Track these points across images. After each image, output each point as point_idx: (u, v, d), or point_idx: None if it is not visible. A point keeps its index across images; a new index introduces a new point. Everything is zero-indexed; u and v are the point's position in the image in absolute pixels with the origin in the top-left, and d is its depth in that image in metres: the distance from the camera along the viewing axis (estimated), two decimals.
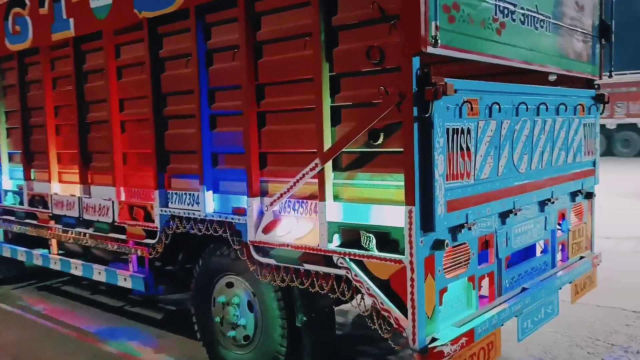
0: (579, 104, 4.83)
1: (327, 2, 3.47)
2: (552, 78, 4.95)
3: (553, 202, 4.48)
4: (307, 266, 3.72)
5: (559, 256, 4.79)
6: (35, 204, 6.26)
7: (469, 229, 3.46)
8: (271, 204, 3.89)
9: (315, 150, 3.58)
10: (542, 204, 4.42)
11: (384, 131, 3.29)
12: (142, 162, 4.97)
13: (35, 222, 6.29)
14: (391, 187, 3.32)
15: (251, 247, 4.03)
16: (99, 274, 5.62)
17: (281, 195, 3.80)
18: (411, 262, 3.15)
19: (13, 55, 6.29)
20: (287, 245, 3.78)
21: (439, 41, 3.04)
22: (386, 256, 3.27)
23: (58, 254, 6.36)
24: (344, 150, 3.47)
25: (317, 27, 3.48)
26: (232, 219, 4.15)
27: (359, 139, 3.38)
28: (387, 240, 3.31)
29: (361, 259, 3.39)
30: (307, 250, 3.65)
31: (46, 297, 7.31)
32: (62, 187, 5.95)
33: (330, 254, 3.54)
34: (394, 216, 3.26)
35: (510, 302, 3.86)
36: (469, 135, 3.44)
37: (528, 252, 4.50)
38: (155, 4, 4.49)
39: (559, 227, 4.75)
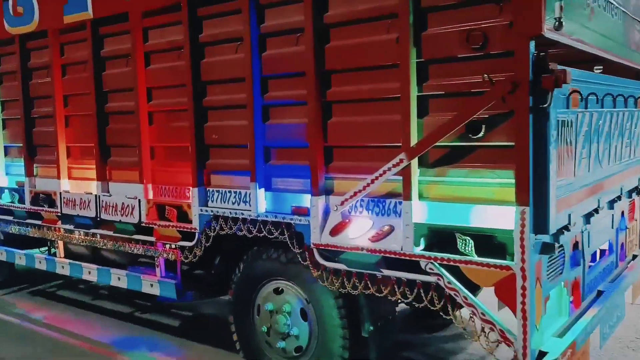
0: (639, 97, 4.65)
1: None
2: (598, 69, 4.76)
3: (621, 199, 4.28)
4: (387, 272, 3.40)
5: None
6: (40, 203, 5.74)
7: (569, 230, 3.20)
8: (342, 203, 3.54)
9: (399, 144, 3.26)
10: (612, 201, 4.21)
11: (485, 123, 2.99)
12: (176, 157, 4.56)
13: (39, 222, 5.79)
14: (493, 184, 3.02)
15: (315, 251, 3.69)
16: (118, 279, 5.18)
17: (355, 193, 3.47)
18: (522, 269, 2.87)
19: (14, 39, 5.76)
20: (362, 249, 3.45)
21: (564, 23, 2.76)
22: (491, 262, 2.98)
23: (65, 257, 5.87)
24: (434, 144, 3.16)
25: (406, 8, 3.15)
26: (292, 219, 3.80)
27: (454, 132, 3.08)
28: (490, 243, 3.01)
29: (457, 264, 3.09)
30: (389, 255, 3.33)
31: (43, 304, 6.77)
32: (73, 184, 5.47)
33: (418, 259, 3.23)
34: (499, 217, 2.97)
35: (597, 308, 3.63)
36: (571, 127, 3.17)
37: (595, 252, 4.30)
38: None
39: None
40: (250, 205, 4.02)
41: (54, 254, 6.03)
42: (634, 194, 4.83)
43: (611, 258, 4.39)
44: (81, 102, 5.28)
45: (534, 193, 2.85)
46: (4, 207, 6.16)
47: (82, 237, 5.36)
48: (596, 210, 3.71)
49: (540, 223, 2.88)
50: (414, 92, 3.20)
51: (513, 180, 2.89)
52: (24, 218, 5.97)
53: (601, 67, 4.61)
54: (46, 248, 6.22)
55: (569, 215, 3.16)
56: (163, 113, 4.64)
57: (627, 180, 4.50)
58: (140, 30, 4.60)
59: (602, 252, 4.36)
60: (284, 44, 3.80)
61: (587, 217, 3.67)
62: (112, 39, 4.92)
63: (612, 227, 4.33)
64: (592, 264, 4.08)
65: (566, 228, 3.14)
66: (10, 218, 6.13)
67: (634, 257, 4.94)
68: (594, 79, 3.50)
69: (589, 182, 3.54)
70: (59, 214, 5.51)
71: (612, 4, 3.89)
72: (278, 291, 4.17)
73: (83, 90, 5.17)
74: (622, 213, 4.62)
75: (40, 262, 5.97)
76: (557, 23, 2.76)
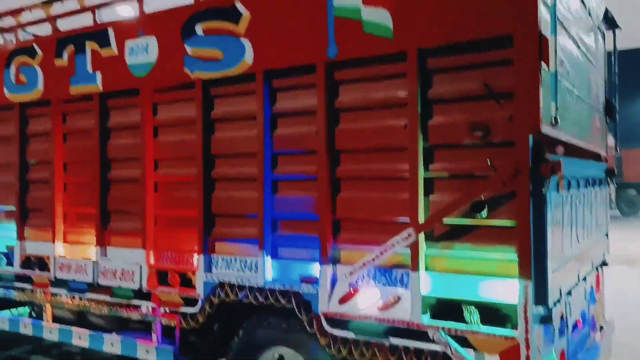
0: (600, 178, 5.10)
1: (424, 74, 3.49)
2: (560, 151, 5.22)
3: (590, 272, 4.62)
4: (395, 340, 3.56)
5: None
6: (31, 266, 5.67)
7: (560, 301, 3.47)
8: (351, 273, 3.73)
9: (407, 219, 3.51)
10: (585, 275, 4.53)
11: (488, 203, 3.29)
12: (181, 224, 4.66)
13: (27, 286, 5.69)
14: (496, 260, 3.29)
15: (323, 319, 3.83)
16: (111, 345, 5.10)
17: (364, 264, 3.67)
18: (526, 339, 3.10)
19: (14, 105, 5.83)
20: (370, 318, 3.61)
21: (559, 121, 3.13)
22: (496, 332, 3.20)
23: (51, 322, 5.74)
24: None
25: (414, 99, 3.48)
26: (300, 288, 3.94)
27: (459, 210, 3.35)
28: (495, 314, 3.24)
29: (464, 334, 3.29)
30: (397, 324, 3.51)
31: None
32: (68, 248, 5.45)
33: (426, 329, 3.42)
34: (504, 290, 3.23)
35: None
36: (560, 208, 3.50)
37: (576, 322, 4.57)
38: (213, 66, 4.34)
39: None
40: (257, 273, 4.15)
41: (34, 317, 5.89)
42: (599, 267, 5.20)
43: (585, 329, 4.67)
44: (81, 169, 5.35)
45: (535, 268, 3.12)
46: None
47: (76, 302, 5.29)
48: (576, 283, 4.01)
49: (540, 296, 3.14)
50: (421, 174, 3.48)
51: (515, 256, 3.16)
52: (10, 281, 5.85)
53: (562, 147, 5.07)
54: (24, 309, 6.08)
55: (560, 288, 3.44)
56: (169, 183, 4.77)
57: (596, 254, 4.87)
58: (150, 105, 4.79)
59: (576, 323, 4.64)
60: (295, 124, 4.06)
61: (569, 290, 3.97)
62: (120, 111, 5.08)
63: (585, 299, 4.63)
64: (572, 333, 4.35)
65: (558, 300, 3.41)
66: None
67: (601, 328, 5.25)
68: (573, 165, 3.88)
69: (572, 257, 3.85)
70: (52, 279, 5.45)
71: (580, 98, 4.36)
72: (279, 359, 4.23)
73: (86, 158, 5.26)
74: (591, 285, 4.95)
75: (25, 327, 5.81)
76: (553, 120, 3.13)
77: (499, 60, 3.25)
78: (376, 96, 3.70)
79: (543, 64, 3.10)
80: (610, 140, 5.90)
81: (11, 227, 5.91)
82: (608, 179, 5.44)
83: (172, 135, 4.73)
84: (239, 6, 4.21)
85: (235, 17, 4.22)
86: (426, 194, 3.50)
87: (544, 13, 3.22)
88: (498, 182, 3.21)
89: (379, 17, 3.60)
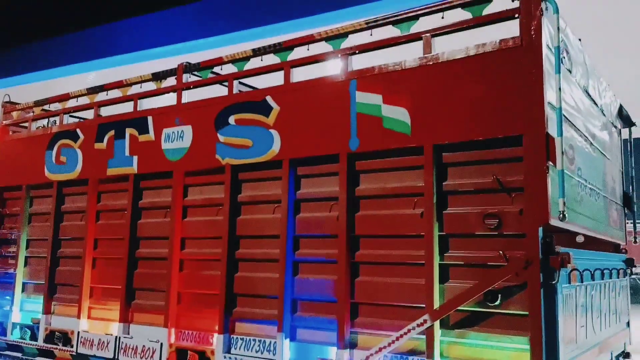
0: (619, 268, 5.16)
1: (440, 167, 3.72)
2: (579, 239, 5.32)
3: None
4: None
5: None
6: (54, 341, 5.79)
7: None
8: (367, 358, 3.79)
9: (423, 305, 3.62)
10: None
11: (501, 293, 3.40)
12: (202, 304, 4.80)
13: None
14: (509, 349, 3.35)
15: None
16: None
17: (380, 349, 3.74)
18: None
19: (52, 184, 6.18)
20: None
21: (567, 216, 3.29)
22: None
23: None
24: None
25: (430, 190, 3.69)
26: None
27: (473, 299, 3.46)
28: None
29: None
30: None
31: None
32: (91, 324, 5.58)
33: None
34: None
35: None
36: (572, 299, 3.59)
37: None
38: (243, 154, 4.65)
39: None
40: (275, 355, 4.22)
41: None
42: (620, 359, 5.15)
43: None
44: (111, 246, 5.58)
45: (546, 358, 3.18)
46: (13, 342, 6.15)
47: None
48: None
49: None
50: (436, 261, 3.63)
51: (527, 346, 3.23)
52: (33, 355, 5.95)
53: (582, 236, 5.17)
54: None
55: None
56: (194, 261, 4.96)
57: (616, 345, 4.84)
58: (181, 187, 5.07)
59: None
60: (317, 209, 4.28)
61: None
62: (152, 192, 5.37)
63: None
64: None
65: None
66: (20, 355, 6.09)
67: None
68: (586, 256, 3.99)
69: (588, 347, 3.88)
70: (74, 354, 5.54)
71: (594, 191, 4.53)
72: None
73: (115, 235, 5.50)
74: None
75: None
76: (561, 215, 3.30)
77: (510, 157, 3.47)
78: (394, 186, 3.93)
79: (550, 163, 3.31)
80: (629, 231, 5.99)
81: (38, 300, 6.09)
82: (627, 268, 5.48)
83: (200, 215, 4.97)
84: (270, 100, 4.56)
85: (266, 110, 4.57)
86: (441, 281, 3.63)
87: (551, 115, 3.47)
88: (510, 272, 3.33)
89: (398, 115, 3.89)
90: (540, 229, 3.29)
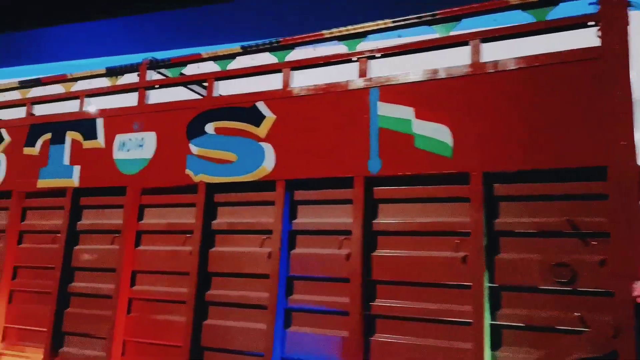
0: None
1: (490, 201, 2.82)
2: None
3: None
4: None
5: None
6: None
7: None
8: None
9: None
10: None
11: None
12: (157, 358, 3.57)
13: None
14: None
15: None
16: None
17: None
18: None
19: None
20: None
21: None
22: None
23: None
24: None
25: (479, 227, 2.78)
26: None
27: None
28: None
29: None
30: None
31: None
32: None
33: None
34: None
35: None
36: None
37: None
38: (223, 170, 3.57)
39: None
40: None
41: None
42: None
43: None
44: (37, 277, 4.21)
45: None
46: None
47: None
48: None
49: None
50: (487, 320, 2.70)
51: None
52: None
53: None
54: None
55: None
56: (148, 302, 3.73)
57: None
58: (136, 207, 3.86)
59: None
60: (320, 243, 3.25)
61: None
62: (95, 212, 4.11)
63: None
64: None
65: None
66: None
67: None
68: None
69: None
70: None
71: None
72: None
73: (43, 263, 4.15)
74: None
75: None
76: None
77: (588, 194, 2.64)
78: (427, 220, 2.98)
79: None
80: None
81: None
82: None
83: (160, 244, 3.78)
84: (262, 107, 3.52)
85: (256, 118, 3.52)
86: (494, 347, 2.69)
87: None
88: (593, 342, 2.46)
89: (436, 133, 2.98)
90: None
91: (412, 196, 3.04)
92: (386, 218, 3.10)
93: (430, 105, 3.03)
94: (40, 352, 3.96)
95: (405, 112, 3.09)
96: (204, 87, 4.53)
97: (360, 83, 3.27)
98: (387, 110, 3.14)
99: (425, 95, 3.05)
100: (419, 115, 3.05)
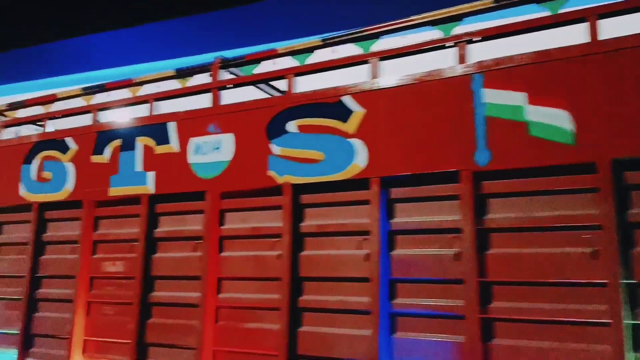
0: None
1: (621, 191, 2.57)
2: None
3: None
4: None
5: None
6: None
7: None
8: None
9: None
10: None
11: None
12: None
13: None
14: None
15: None
16: None
17: None
18: None
19: (30, 206, 4.63)
20: None
21: None
22: None
23: None
24: None
25: (611, 220, 2.53)
26: None
27: None
28: None
29: None
30: None
31: None
32: None
33: None
34: None
35: None
36: None
37: None
38: (309, 170, 3.37)
39: None
40: None
41: None
42: None
43: None
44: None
45: None
46: None
47: None
48: None
49: None
50: (626, 319, 2.44)
51: None
52: None
53: None
54: None
55: None
56: (232, 309, 3.57)
57: None
58: (217, 212, 3.70)
59: None
60: (419, 243, 3.03)
61: None
62: (170, 218, 3.95)
63: None
64: None
65: None
66: None
67: None
68: None
69: None
70: None
71: None
72: None
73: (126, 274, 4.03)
74: None
75: None
76: None
77: None
78: (549, 214, 2.73)
79: None
80: None
81: None
82: None
83: (244, 249, 3.60)
84: (349, 101, 3.31)
85: (343, 113, 3.31)
86: (637, 348, 2.44)
87: None
88: None
89: (553, 119, 2.73)
90: None
91: (529, 189, 2.80)
92: (498, 213, 2.87)
93: (545, 89, 2.78)
94: None
95: (515, 97, 2.85)
96: (272, 87, 4.37)
97: (460, 69, 3.03)
98: (495, 97, 2.90)
99: (539, 78, 2.80)
100: (533, 101, 2.81)
